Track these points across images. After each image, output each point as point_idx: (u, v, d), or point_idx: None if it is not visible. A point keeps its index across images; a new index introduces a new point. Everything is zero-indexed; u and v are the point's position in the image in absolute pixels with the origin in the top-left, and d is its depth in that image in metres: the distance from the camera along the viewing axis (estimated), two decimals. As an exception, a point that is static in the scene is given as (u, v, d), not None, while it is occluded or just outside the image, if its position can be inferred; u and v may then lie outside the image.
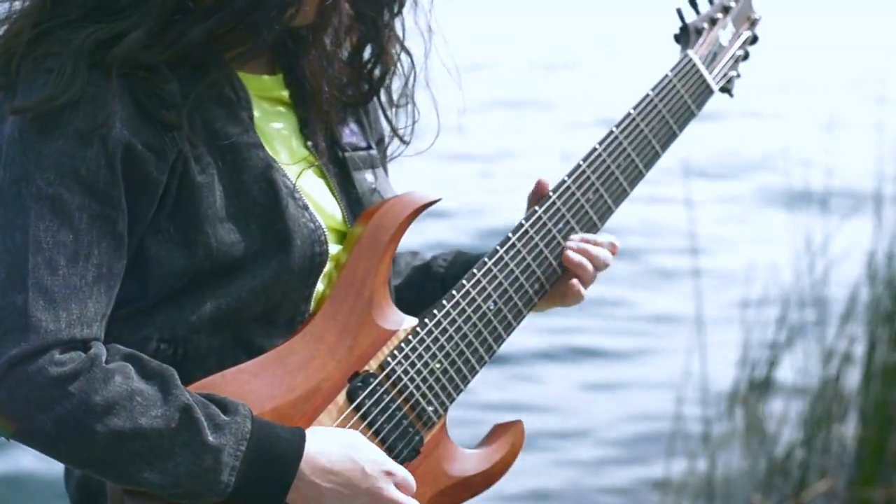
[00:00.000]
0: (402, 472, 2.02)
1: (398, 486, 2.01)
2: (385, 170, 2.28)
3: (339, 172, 2.15)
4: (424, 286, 2.33)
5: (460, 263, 2.33)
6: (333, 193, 2.14)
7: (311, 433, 1.97)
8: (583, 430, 6.59)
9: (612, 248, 2.29)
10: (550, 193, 2.24)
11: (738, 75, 2.46)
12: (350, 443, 1.99)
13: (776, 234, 7.95)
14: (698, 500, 5.44)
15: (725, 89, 2.45)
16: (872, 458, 5.29)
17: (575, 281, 2.26)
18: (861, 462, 5.37)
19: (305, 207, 2.06)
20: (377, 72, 2.16)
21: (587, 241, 2.26)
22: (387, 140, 2.27)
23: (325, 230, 2.07)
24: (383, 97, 2.20)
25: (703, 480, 5.47)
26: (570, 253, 2.24)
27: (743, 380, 5.95)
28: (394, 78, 2.19)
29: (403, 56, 2.17)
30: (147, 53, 1.95)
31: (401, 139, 2.23)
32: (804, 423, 5.54)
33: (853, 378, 5.64)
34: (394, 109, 2.21)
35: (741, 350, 5.98)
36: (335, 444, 1.97)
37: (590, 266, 2.25)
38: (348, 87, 2.15)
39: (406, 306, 2.18)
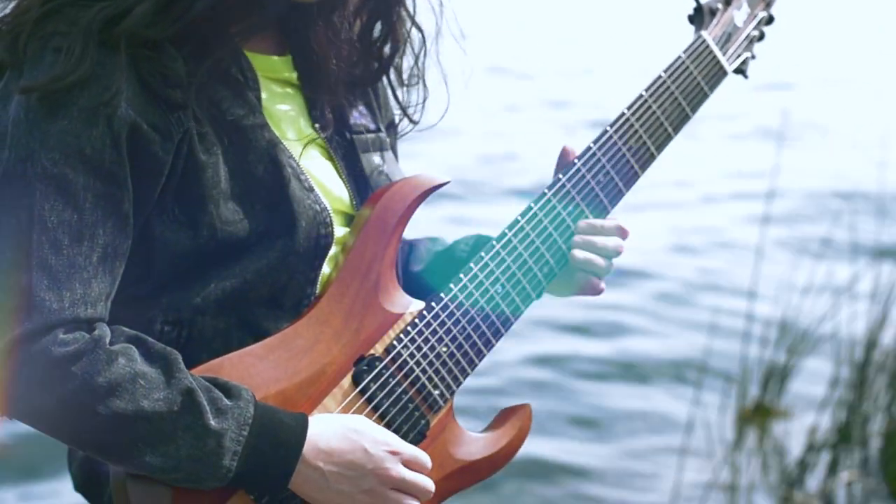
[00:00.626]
0: (409, 450, 2.00)
1: (407, 464, 2.00)
2: (395, 153, 2.26)
3: (347, 154, 2.14)
4: (448, 273, 2.28)
5: (482, 247, 2.28)
6: (341, 175, 2.12)
7: (314, 418, 1.96)
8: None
9: (622, 233, 2.26)
10: (560, 176, 2.21)
11: (753, 56, 2.43)
12: (352, 426, 1.98)
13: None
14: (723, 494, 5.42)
15: (739, 70, 2.42)
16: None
17: (587, 275, 2.24)
18: (886, 456, 5.33)
19: (311, 189, 2.04)
20: (387, 49, 2.14)
21: (593, 231, 2.22)
22: (396, 120, 2.25)
23: (330, 212, 2.05)
24: (393, 77, 2.18)
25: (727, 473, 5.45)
26: (575, 252, 2.21)
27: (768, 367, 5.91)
28: (404, 57, 2.17)
29: (414, 33, 2.15)
30: (154, 29, 1.94)
31: (409, 118, 2.22)
32: (832, 415, 5.51)
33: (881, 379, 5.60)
34: (404, 88, 2.19)
35: (761, 345, 5.94)
36: (337, 428, 1.97)
37: (598, 259, 2.22)
38: (357, 65, 2.13)
39: (430, 293, 2.16)
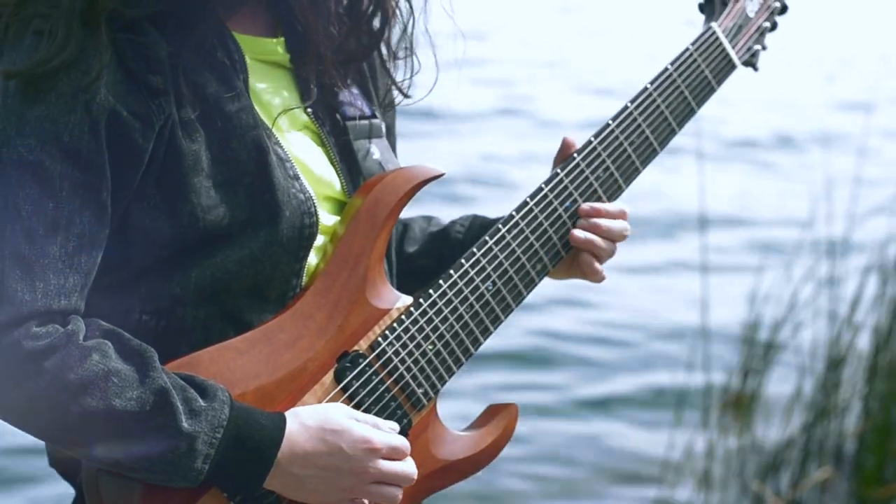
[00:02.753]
0: (388, 442, 1.96)
1: (387, 456, 1.96)
2: (394, 138, 2.22)
3: (340, 141, 2.10)
4: (443, 254, 2.27)
5: (477, 228, 2.28)
6: (333, 162, 2.08)
7: (291, 417, 1.93)
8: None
9: (623, 215, 2.22)
10: (558, 171, 2.17)
11: (765, 48, 2.38)
12: (330, 427, 1.94)
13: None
14: (697, 486, 5.39)
15: (749, 63, 2.37)
16: (874, 450, 5.24)
17: (587, 257, 2.20)
18: (861, 454, 5.31)
19: (296, 177, 2.00)
20: (376, 22, 2.09)
21: (598, 215, 2.19)
22: (397, 101, 2.20)
23: (315, 201, 2.01)
24: (385, 53, 2.14)
25: (702, 466, 5.42)
26: (576, 232, 2.18)
27: (742, 365, 5.88)
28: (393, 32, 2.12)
29: (403, 4, 2.10)
30: (135, 7, 1.89)
31: (401, 91, 2.17)
32: (805, 412, 5.48)
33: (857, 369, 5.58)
34: (395, 62, 2.14)
35: (742, 331, 5.91)
36: (315, 431, 1.93)
37: (600, 241, 2.18)
38: (348, 40, 2.08)
39: (425, 275, 2.15)
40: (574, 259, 2.21)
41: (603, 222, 2.19)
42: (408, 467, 1.98)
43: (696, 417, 5.66)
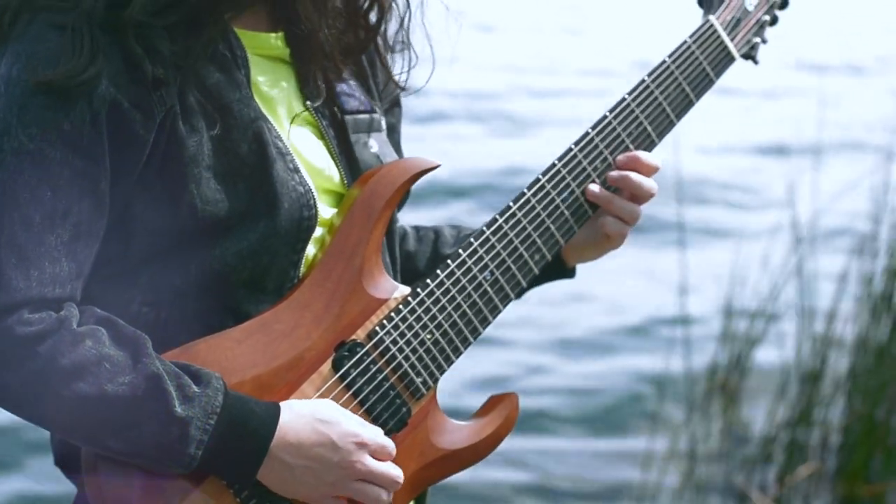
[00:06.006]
0: (377, 440, 1.97)
1: (375, 454, 1.97)
2: (398, 136, 2.24)
3: (339, 134, 2.11)
4: None
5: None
6: (332, 155, 2.09)
7: (284, 406, 1.94)
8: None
9: (656, 170, 2.22)
10: (556, 161, 2.17)
11: (764, 41, 2.39)
12: (322, 417, 1.95)
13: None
14: (680, 480, 5.40)
15: (749, 56, 2.37)
16: (860, 443, 5.25)
17: (610, 220, 2.20)
18: (847, 447, 5.32)
19: (296, 170, 2.01)
20: (373, 16, 2.10)
21: (633, 165, 2.19)
22: (391, 89, 2.21)
23: (314, 194, 2.02)
24: (382, 46, 2.15)
25: (685, 460, 5.43)
26: (591, 187, 2.17)
27: (724, 357, 5.87)
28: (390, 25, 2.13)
29: None
30: (159, 16, 1.92)
31: (397, 84, 2.18)
32: (790, 405, 5.48)
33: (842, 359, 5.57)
34: (392, 55, 2.16)
35: (723, 323, 5.91)
36: (307, 420, 1.94)
37: (618, 200, 2.18)
38: (345, 34, 2.09)
39: None
40: (591, 232, 2.22)
41: (634, 176, 2.19)
42: (394, 470, 1.98)
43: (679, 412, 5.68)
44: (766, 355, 5.92)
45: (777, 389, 5.49)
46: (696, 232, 7.94)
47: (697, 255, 6.90)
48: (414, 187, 2.13)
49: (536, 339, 6.84)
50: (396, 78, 2.17)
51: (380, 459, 1.97)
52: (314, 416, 1.94)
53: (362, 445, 1.95)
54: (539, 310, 6.78)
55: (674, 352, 5.83)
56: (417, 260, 2.30)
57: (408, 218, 2.34)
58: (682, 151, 5.31)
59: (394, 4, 2.10)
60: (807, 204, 6.00)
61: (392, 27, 2.13)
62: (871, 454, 5.17)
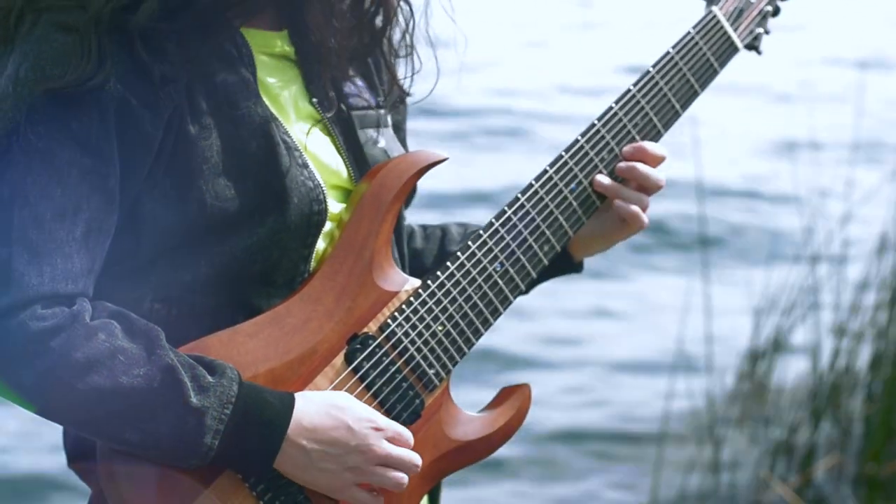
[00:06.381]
0: (393, 426, 1.98)
1: (391, 440, 1.97)
2: (403, 134, 2.25)
3: (346, 130, 2.12)
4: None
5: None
6: (340, 151, 2.10)
7: (299, 396, 1.94)
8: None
9: (663, 160, 2.23)
10: (563, 153, 2.18)
11: (768, 32, 2.39)
12: (335, 403, 1.96)
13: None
14: (704, 475, 5.40)
15: (752, 46, 2.38)
16: (880, 434, 5.24)
17: (625, 205, 2.20)
18: (869, 438, 5.31)
19: (305, 165, 2.02)
20: (378, 21, 2.11)
21: (640, 156, 2.20)
22: (395, 93, 2.21)
23: (324, 189, 2.03)
24: (388, 49, 2.16)
25: (709, 455, 5.42)
26: (599, 178, 2.18)
27: (749, 351, 5.87)
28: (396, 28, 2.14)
29: (404, 3, 2.12)
30: (168, 22, 1.93)
31: (402, 89, 2.19)
32: (811, 398, 5.48)
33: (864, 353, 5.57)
34: (396, 60, 2.16)
35: (750, 319, 5.90)
36: (320, 405, 1.95)
37: (625, 190, 2.19)
38: (351, 37, 2.10)
39: None
40: (599, 224, 2.23)
41: (642, 167, 2.20)
42: (413, 456, 1.99)
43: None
44: (789, 348, 5.92)
45: (798, 381, 5.49)
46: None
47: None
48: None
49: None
50: (402, 82, 2.18)
51: (397, 445, 1.98)
52: (328, 402, 1.95)
53: (378, 430, 1.96)
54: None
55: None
56: (425, 257, 2.30)
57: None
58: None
59: (399, 10, 2.11)
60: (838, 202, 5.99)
61: (398, 32, 2.14)
62: (891, 436, 5.17)
